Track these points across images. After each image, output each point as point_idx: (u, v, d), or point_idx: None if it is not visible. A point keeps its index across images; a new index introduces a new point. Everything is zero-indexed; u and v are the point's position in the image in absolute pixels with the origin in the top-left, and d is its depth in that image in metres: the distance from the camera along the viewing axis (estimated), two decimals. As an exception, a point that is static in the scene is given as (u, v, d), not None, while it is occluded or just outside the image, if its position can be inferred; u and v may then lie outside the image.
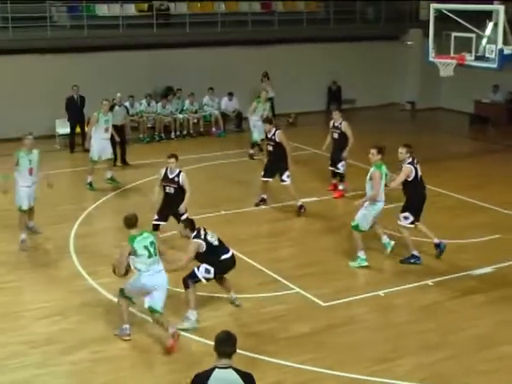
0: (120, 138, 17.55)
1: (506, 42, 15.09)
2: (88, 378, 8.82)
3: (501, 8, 14.99)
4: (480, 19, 15.42)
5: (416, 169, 11.91)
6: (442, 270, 11.87)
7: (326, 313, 10.48)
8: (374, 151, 11.76)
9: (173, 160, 12.20)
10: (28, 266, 12.16)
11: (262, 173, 14.90)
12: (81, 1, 22.34)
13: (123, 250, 9.35)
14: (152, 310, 9.34)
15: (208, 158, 19.01)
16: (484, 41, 15.38)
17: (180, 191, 12.22)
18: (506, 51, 15.08)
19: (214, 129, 22.45)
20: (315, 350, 9.39)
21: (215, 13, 23.89)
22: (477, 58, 15.71)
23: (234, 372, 5.87)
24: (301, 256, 12.66)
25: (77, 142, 19.89)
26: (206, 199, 15.20)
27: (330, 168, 16.08)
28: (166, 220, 12.46)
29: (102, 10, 22.99)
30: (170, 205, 12.28)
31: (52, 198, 14.51)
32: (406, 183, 11.96)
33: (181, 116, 21.92)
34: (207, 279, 9.91)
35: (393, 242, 12.25)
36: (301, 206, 14.68)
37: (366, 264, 11.93)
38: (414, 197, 12.04)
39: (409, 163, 11.89)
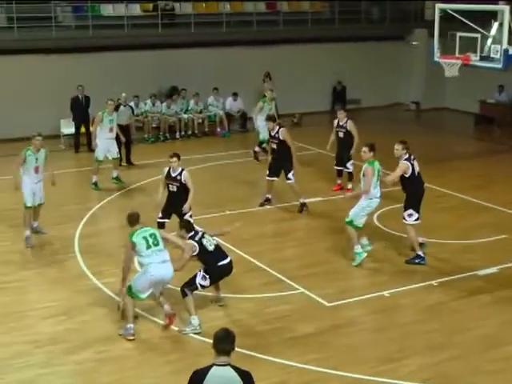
0: (125, 138, 17.58)
1: (511, 42, 15.08)
2: (92, 378, 8.82)
3: (506, 8, 15.00)
4: (485, 19, 15.41)
5: (413, 165, 11.91)
6: (447, 271, 11.84)
7: (331, 313, 10.46)
8: (365, 149, 11.92)
9: (175, 159, 12.18)
10: (33, 266, 12.17)
11: (267, 172, 14.90)
12: (86, 1, 22.37)
13: (127, 247, 9.59)
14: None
15: (213, 158, 19.00)
16: (489, 41, 15.39)
17: (183, 190, 12.20)
18: (511, 51, 15.08)
19: (218, 129, 22.45)
20: (319, 350, 9.37)
21: (220, 13, 23.90)
22: (482, 58, 15.72)
23: (232, 370, 5.85)
24: (305, 256, 12.63)
25: (82, 142, 19.95)
26: (210, 199, 15.20)
27: (336, 167, 16.07)
28: (170, 217, 12.47)
29: (107, 10, 23.00)
30: (174, 203, 12.28)
31: (57, 198, 14.55)
32: (404, 180, 11.97)
33: (185, 116, 21.92)
34: (203, 286, 9.97)
35: (370, 248, 12.28)
36: (303, 204, 14.67)
37: (365, 255, 11.96)
38: (413, 193, 12.04)
39: (405, 159, 11.90)
